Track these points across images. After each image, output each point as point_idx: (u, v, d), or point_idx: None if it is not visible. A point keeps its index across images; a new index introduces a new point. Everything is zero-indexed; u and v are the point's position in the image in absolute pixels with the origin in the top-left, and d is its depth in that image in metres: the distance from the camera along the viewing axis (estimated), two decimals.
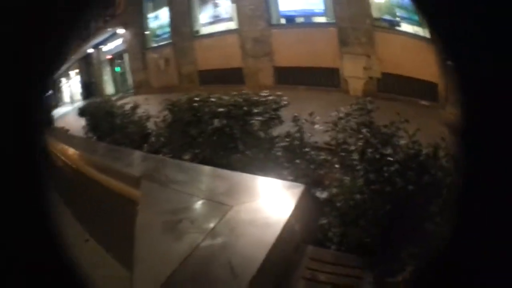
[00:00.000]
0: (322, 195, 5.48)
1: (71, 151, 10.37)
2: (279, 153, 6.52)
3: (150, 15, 20.58)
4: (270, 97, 7.23)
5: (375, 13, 13.04)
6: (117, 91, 24.00)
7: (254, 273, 3.49)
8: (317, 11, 14.42)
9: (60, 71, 29.12)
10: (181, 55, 18.33)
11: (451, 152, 4.58)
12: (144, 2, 20.64)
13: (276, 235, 4.03)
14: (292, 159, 6.28)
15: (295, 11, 15.02)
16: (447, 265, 1.39)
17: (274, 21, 15.50)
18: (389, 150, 4.90)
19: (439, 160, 4.77)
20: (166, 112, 8.63)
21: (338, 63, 13.36)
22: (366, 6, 12.95)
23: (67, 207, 7.05)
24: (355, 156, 5.19)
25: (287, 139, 6.55)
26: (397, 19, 12.84)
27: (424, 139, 4.88)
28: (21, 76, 1.39)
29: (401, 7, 12.65)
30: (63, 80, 30.79)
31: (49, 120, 17.29)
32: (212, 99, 7.69)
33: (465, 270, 1.34)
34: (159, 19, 19.91)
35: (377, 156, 4.91)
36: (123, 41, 22.18)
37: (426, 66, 11.24)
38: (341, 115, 5.91)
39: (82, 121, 13.52)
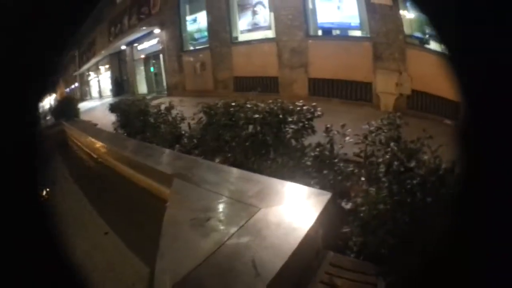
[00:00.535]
0: (347, 205, 5.57)
1: (98, 144, 10.56)
2: (309, 163, 6.62)
3: (188, 18, 20.77)
4: (305, 107, 7.34)
5: (406, 30, 13.06)
6: (150, 91, 24.10)
7: (276, 273, 3.62)
8: (353, 24, 14.44)
9: (88, 65, 29.47)
10: (218, 60, 18.47)
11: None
12: (181, 3, 20.78)
13: (300, 239, 4.16)
14: (320, 169, 6.37)
15: (332, 23, 15.05)
16: (448, 265, 1.45)
17: (311, 32, 15.54)
18: (413, 164, 4.99)
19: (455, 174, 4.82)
20: (201, 115, 8.78)
21: (372, 77, 13.37)
22: (399, 22, 12.96)
23: (87, 199, 7.22)
24: (382, 168, 5.27)
25: (318, 149, 6.65)
26: (426, 36, 12.85)
27: (445, 156, 4.95)
28: (20, 75, 1.46)
29: (429, 23, 12.65)
30: (92, 74, 30.96)
31: (74, 112, 17.60)
32: (248, 105, 7.83)
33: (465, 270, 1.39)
34: (197, 22, 20.04)
35: (402, 169, 4.99)
36: (159, 42, 22.27)
37: (450, 85, 11.33)
38: (372, 128, 6.03)
39: (111, 117, 13.68)
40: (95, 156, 10.21)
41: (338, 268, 4.60)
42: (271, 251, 4.00)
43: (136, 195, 7.21)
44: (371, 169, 5.60)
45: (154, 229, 4.80)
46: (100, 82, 30.44)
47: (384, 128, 6.01)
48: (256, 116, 7.44)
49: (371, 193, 5.19)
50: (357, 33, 14.65)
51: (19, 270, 1.50)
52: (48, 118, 16.73)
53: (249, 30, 17.69)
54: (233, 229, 4.44)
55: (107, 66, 28.89)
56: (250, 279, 3.57)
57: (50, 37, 1.55)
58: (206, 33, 19.39)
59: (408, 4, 12.94)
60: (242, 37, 18.03)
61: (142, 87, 25.09)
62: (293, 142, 7.20)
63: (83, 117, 18.44)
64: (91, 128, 14.26)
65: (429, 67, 12.28)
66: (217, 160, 7.83)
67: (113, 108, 13.77)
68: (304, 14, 15.44)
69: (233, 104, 8.13)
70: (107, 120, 14.13)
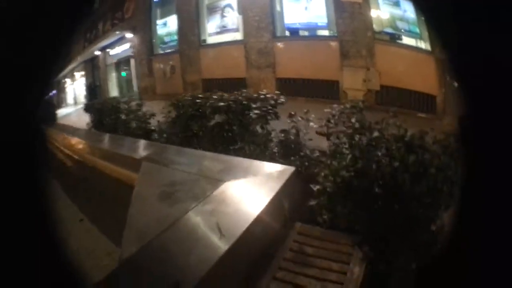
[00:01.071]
0: (315, 188, 5.69)
1: (74, 141, 10.64)
2: (275, 149, 6.79)
3: (159, 22, 20.72)
4: (268, 95, 7.55)
5: (376, 26, 13.28)
6: (121, 96, 24.02)
7: (239, 235, 3.80)
8: (320, 24, 14.64)
9: (65, 72, 29.28)
10: (187, 63, 18.54)
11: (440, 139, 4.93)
12: (153, 8, 20.84)
13: (262, 207, 4.36)
14: (287, 155, 6.53)
15: (299, 23, 15.24)
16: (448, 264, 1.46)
17: (278, 33, 15.74)
18: (376, 134, 5.16)
19: (425, 142, 4.99)
20: (170, 109, 8.95)
21: (339, 75, 13.57)
22: (368, 20, 13.19)
23: (65, 192, 7.30)
24: (344, 142, 5.45)
25: (282, 134, 6.83)
26: (398, 32, 13.10)
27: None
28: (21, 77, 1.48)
29: (402, 19, 12.91)
30: (68, 81, 30.83)
31: (52, 117, 17.60)
32: (214, 96, 8.01)
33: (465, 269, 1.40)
34: (167, 26, 20.02)
35: (365, 141, 5.17)
36: (131, 46, 22.29)
37: (424, 78, 11.60)
38: (334, 112, 6.21)
39: (86, 119, 13.86)
40: (71, 152, 10.28)
41: (307, 237, 4.74)
42: (235, 217, 4.19)
43: (108, 184, 7.32)
44: (334, 144, 5.74)
45: (125, 214, 4.81)
46: (75, 88, 30.34)
47: (347, 111, 6.19)
48: (222, 104, 7.61)
49: (334, 164, 5.34)
50: (325, 32, 14.87)
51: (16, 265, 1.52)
52: None
53: (217, 33, 17.77)
54: (198, 200, 4.59)
55: (82, 72, 28.79)
56: (215, 240, 3.73)
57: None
58: (175, 37, 19.45)
59: (379, 0, 13.22)
60: (210, 40, 18.12)
61: (114, 92, 24.95)
62: (259, 129, 7.36)
63: (60, 121, 18.50)
64: (68, 128, 14.33)
65: (400, 62, 12.60)
66: None
67: (87, 107, 14.01)
68: (271, 16, 15.60)
69: (200, 96, 8.30)
70: (82, 122, 14.31)
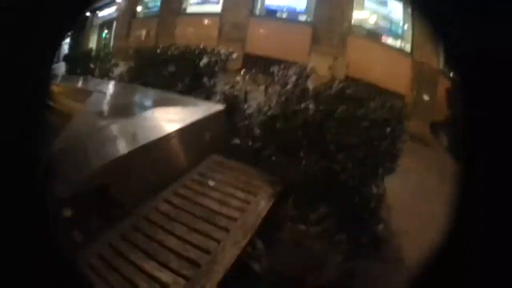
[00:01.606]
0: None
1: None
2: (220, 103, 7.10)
3: None
4: (222, 51, 7.86)
5: (355, 21, 13.54)
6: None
7: (149, 141, 4.24)
8: (299, 9, 14.93)
9: None
10: (162, 29, 18.56)
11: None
12: None
13: (179, 127, 4.79)
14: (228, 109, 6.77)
15: (278, 6, 15.51)
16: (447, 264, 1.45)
17: (257, 12, 15.97)
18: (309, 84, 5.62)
19: (361, 94, 5.47)
20: (131, 58, 9.22)
21: (306, 59, 13.79)
22: (347, 12, 13.45)
23: None
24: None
25: (227, 87, 7.14)
26: (377, 29, 13.37)
27: None
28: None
29: (385, 18, 13.21)
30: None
31: None
32: (172, 48, 8.31)
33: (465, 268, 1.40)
34: None
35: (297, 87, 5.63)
36: (117, 9, 22.25)
37: (396, 77, 11.63)
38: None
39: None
40: None
41: (221, 167, 5.08)
42: (152, 130, 4.64)
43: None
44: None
45: None
46: (62, 47, 30.23)
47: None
48: (175, 53, 7.91)
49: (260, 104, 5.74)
50: (302, 17, 15.15)
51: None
52: None
53: (198, 3, 17.89)
54: (127, 116, 5.03)
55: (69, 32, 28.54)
56: (128, 142, 4.13)
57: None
58: (158, 3, 19.54)
59: None
60: (191, 9, 18.28)
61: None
62: (206, 81, 7.71)
63: None
64: None
65: (372, 57, 12.81)
66: None
67: (65, 57, 14.42)
68: None
69: (160, 46, 8.60)
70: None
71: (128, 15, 20.98)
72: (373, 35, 13.35)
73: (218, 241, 3.71)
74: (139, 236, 3.66)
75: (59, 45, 1.99)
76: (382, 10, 13.33)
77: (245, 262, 3.82)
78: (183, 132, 4.73)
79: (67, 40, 25.54)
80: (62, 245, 1.93)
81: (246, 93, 7.03)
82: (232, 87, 7.03)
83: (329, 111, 5.12)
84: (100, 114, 5.38)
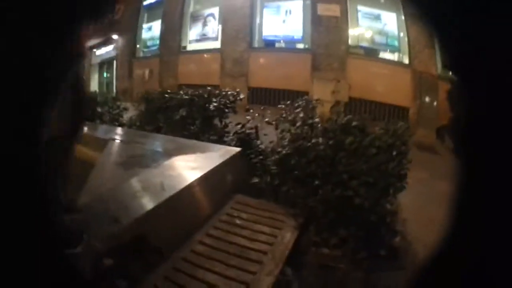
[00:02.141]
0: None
1: None
2: (232, 141, 7.37)
3: (145, 26, 21.26)
4: (229, 92, 8.17)
5: (352, 41, 13.77)
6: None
7: (177, 191, 4.48)
8: (296, 37, 15.17)
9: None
10: (165, 68, 18.70)
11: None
12: (141, 11, 21.28)
13: (203, 173, 5.04)
14: (242, 146, 6.97)
15: (275, 36, 15.76)
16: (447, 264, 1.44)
17: (256, 44, 16.22)
18: (316, 119, 5.76)
19: (365, 126, 5.62)
20: (140, 103, 9.50)
21: (309, 87, 13.99)
22: (344, 34, 13.65)
23: None
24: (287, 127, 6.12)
25: (239, 126, 7.43)
26: (375, 46, 13.59)
27: None
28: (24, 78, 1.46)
29: (381, 33, 13.43)
30: None
31: None
32: (181, 92, 8.62)
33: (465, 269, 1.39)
34: (151, 30, 20.50)
35: (307, 124, 5.83)
36: (114, 48, 22.35)
37: (398, 90, 12.27)
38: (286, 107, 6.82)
39: None
40: None
41: (245, 206, 5.36)
42: (177, 179, 4.86)
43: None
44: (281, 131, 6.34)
45: None
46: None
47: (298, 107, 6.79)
48: (185, 97, 8.21)
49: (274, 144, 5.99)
50: (300, 45, 15.41)
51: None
52: None
53: (197, 40, 17.96)
54: (149, 165, 5.25)
55: None
56: (157, 192, 4.36)
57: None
58: (158, 42, 19.69)
59: (358, 14, 13.85)
60: (190, 47, 18.39)
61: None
62: (218, 122, 7.99)
63: None
64: None
65: (372, 75, 13.05)
66: None
67: None
68: (250, 27, 16.07)
69: (168, 91, 8.91)
70: None
71: (127, 54, 21.25)
72: (371, 52, 13.72)
73: (253, 273, 4.01)
74: (180, 275, 3.92)
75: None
76: (377, 24, 13.82)
77: None
78: (207, 178, 5.00)
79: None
80: None
81: (257, 130, 7.25)
82: (243, 126, 7.26)
83: (339, 144, 5.39)
84: (121, 164, 5.59)
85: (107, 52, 23.65)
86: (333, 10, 14.10)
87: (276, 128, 6.67)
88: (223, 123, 7.97)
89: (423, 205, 5.69)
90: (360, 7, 13.96)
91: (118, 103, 11.31)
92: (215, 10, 17.60)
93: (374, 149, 5.23)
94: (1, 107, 1.39)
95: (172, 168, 5.19)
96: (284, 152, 5.64)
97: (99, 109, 11.49)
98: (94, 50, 24.82)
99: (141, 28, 21.05)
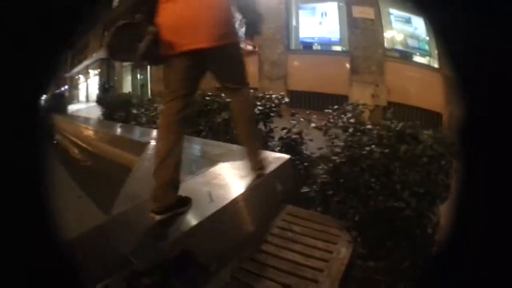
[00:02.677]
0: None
1: (82, 128, 10.88)
2: (276, 146, 7.08)
3: None
4: (273, 95, 7.86)
5: (387, 44, 13.57)
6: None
7: (227, 203, 4.12)
8: (333, 39, 14.98)
9: (79, 68, 29.25)
10: None
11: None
12: None
13: (254, 183, 4.67)
14: (287, 152, 6.74)
15: (313, 38, 15.56)
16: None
17: (293, 47, 16.05)
18: (368, 125, 5.45)
19: (417, 133, 5.41)
20: None
21: (348, 90, 13.80)
22: (380, 37, 13.48)
23: (73, 180, 7.52)
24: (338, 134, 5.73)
25: (284, 131, 7.12)
26: (408, 49, 13.40)
27: None
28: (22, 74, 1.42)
29: (413, 37, 13.22)
30: (81, 77, 30.82)
31: (63, 109, 17.91)
32: (222, 94, 8.31)
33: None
34: None
35: (358, 132, 5.49)
36: None
37: (432, 96, 11.94)
38: (335, 113, 6.52)
39: (97, 113, 14.16)
40: (79, 139, 10.53)
41: (296, 218, 4.99)
42: (225, 189, 4.51)
43: (113, 168, 7.55)
44: (330, 137, 6.01)
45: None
46: (88, 86, 30.26)
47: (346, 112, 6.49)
48: (228, 100, 7.90)
49: (327, 152, 5.67)
50: (337, 47, 15.20)
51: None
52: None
53: None
54: (195, 173, 4.92)
55: (96, 71, 28.50)
56: (205, 204, 4.02)
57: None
58: None
59: (391, 17, 13.52)
60: None
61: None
62: (262, 127, 7.60)
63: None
64: (78, 118, 14.66)
65: (409, 79, 12.88)
66: None
67: (99, 100, 14.30)
68: (287, 29, 15.92)
69: (209, 93, 8.59)
70: (93, 116, 14.58)
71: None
72: (405, 56, 13.44)
73: None
74: None
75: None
76: (408, 28, 13.66)
77: None
78: (258, 187, 4.64)
79: (96, 80, 25.68)
80: None
81: (301, 136, 7.02)
82: (289, 131, 6.99)
83: (394, 152, 5.15)
84: None
85: None
86: (367, 12, 13.97)
87: (325, 134, 6.33)
88: (268, 127, 7.63)
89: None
90: (391, 10, 13.85)
91: (156, 105, 11.09)
92: None
93: (426, 158, 5.04)
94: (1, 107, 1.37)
95: (219, 176, 4.84)
96: (338, 160, 5.30)
97: (134, 111, 11.36)
98: None
99: None
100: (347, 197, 5.21)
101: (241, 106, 4.50)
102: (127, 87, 25.18)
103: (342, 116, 6.52)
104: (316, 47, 15.84)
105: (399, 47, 13.74)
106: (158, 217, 3.63)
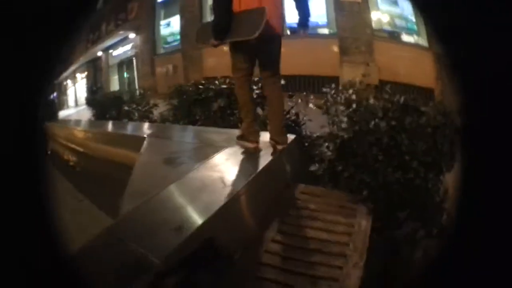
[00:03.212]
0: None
1: (75, 130, 10.73)
2: None
3: (162, 22, 20.95)
4: None
5: (375, 24, 13.56)
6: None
7: (242, 187, 4.00)
8: (320, 23, 14.91)
9: (66, 73, 29.07)
10: (190, 63, 18.57)
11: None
12: (156, 9, 21.03)
13: (262, 166, 4.60)
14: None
15: None
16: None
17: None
18: (372, 101, 5.39)
19: (419, 105, 5.36)
20: (172, 96, 9.08)
21: (338, 71, 13.77)
22: (367, 18, 13.48)
23: (70, 182, 7.37)
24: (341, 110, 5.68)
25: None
26: (396, 29, 13.41)
27: None
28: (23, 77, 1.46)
29: (400, 17, 13.23)
30: (69, 82, 30.63)
31: (54, 115, 17.77)
32: (216, 82, 8.21)
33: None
34: (170, 26, 20.32)
35: (362, 106, 5.45)
36: (133, 47, 22.20)
37: (422, 73, 12.05)
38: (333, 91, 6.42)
39: (87, 116, 14.01)
40: (73, 142, 10.39)
41: (311, 196, 4.93)
42: (236, 173, 4.44)
43: (112, 167, 7.42)
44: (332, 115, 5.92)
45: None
46: (77, 90, 30.07)
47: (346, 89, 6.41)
48: (224, 87, 7.80)
49: (333, 129, 5.60)
50: (325, 31, 15.13)
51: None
52: None
53: None
54: (202, 160, 4.79)
55: (83, 74, 28.40)
56: (219, 189, 3.91)
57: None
58: (178, 37, 19.55)
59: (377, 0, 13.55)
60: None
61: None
62: (260, 110, 7.48)
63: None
64: (69, 122, 14.49)
65: (398, 58, 12.96)
66: None
67: (89, 101, 14.12)
68: None
69: (202, 82, 8.48)
70: (84, 118, 14.45)
71: (148, 52, 21.11)
72: (394, 35, 13.46)
73: (340, 268, 3.61)
74: (260, 283, 3.48)
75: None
76: (395, 10, 13.73)
77: None
78: (268, 169, 4.58)
79: (84, 83, 25.56)
80: None
81: (298, 116, 7.20)
82: (288, 112, 6.90)
83: (400, 124, 5.15)
84: (166, 162, 5.15)
85: (124, 52, 23.64)
86: None
87: (325, 112, 6.24)
88: (266, 110, 7.52)
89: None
90: None
91: (147, 99, 10.98)
92: None
93: (431, 129, 5.06)
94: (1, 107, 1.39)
95: (227, 162, 4.75)
96: (346, 136, 5.23)
97: (125, 108, 11.23)
98: (111, 51, 24.84)
99: (159, 24, 20.86)
100: (357, 172, 5.16)
101: (276, 93, 5.39)
102: (114, 86, 25.08)
103: (343, 92, 6.40)
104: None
105: (388, 27, 13.76)
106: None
